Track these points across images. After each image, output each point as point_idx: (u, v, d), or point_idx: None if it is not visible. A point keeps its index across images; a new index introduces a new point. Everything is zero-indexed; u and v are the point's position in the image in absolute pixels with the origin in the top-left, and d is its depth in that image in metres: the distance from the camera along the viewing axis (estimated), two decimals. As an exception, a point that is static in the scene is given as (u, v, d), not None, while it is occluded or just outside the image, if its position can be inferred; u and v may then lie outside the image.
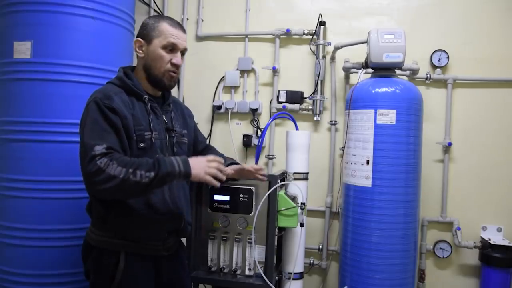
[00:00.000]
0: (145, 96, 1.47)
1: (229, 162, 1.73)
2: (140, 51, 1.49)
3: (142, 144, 1.42)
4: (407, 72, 2.34)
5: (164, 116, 1.54)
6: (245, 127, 2.66)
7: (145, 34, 1.48)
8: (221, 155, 1.79)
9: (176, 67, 1.49)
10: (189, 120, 1.71)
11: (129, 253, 1.43)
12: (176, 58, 1.48)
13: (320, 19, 2.48)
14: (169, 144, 1.53)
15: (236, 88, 2.67)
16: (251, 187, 1.86)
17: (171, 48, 1.47)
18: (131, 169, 1.26)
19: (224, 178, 1.43)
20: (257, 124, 2.61)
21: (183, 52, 1.52)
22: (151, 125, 1.45)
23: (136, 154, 1.41)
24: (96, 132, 1.32)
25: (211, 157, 1.43)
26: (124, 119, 1.37)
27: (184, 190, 1.59)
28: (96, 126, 1.33)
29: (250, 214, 1.87)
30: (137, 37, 1.51)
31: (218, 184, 1.41)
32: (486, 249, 2.26)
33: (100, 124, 1.34)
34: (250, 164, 1.71)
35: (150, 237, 1.46)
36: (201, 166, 1.37)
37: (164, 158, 1.35)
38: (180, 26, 1.51)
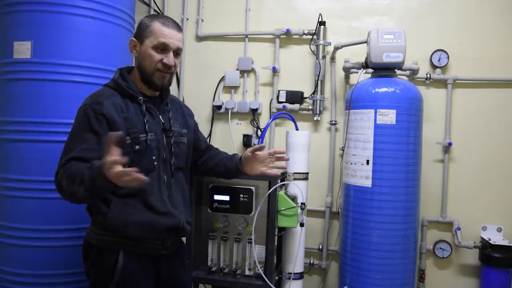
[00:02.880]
0: (140, 97, 1.47)
1: (240, 156, 1.71)
2: (134, 51, 1.50)
3: (137, 147, 1.42)
4: (407, 72, 2.34)
5: (161, 116, 1.53)
6: (245, 127, 2.66)
7: (138, 33, 1.48)
8: (224, 154, 1.79)
9: (167, 67, 1.46)
10: (189, 119, 1.70)
11: (129, 252, 1.43)
12: (168, 58, 1.45)
13: (320, 19, 2.48)
14: (166, 144, 1.52)
15: (236, 88, 2.67)
16: (251, 187, 1.86)
17: (162, 48, 1.45)
18: (70, 182, 1.30)
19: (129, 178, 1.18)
20: (257, 124, 2.61)
21: (177, 52, 1.49)
22: (147, 126, 1.45)
23: (132, 157, 1.41)
24: (74, 143, 1.37)
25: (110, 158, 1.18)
26: (113, 124, 1.38)
27: (182, 190, 1.59)
28: (77, 135, 1.38)
29: (250, 214, 1.87)
30: (133, 36, 1.51)
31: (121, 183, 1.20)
32: (486, 249, 2.26)
33: (81, 134, 1.37)
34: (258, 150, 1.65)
35: (149, 236, 1.46)
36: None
37: (93, 163, 1.25)
38: (174, 25, 1.49)
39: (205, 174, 1.83)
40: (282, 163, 1.71)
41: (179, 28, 1.51)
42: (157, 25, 1.45)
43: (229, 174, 1.74)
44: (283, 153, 1.69)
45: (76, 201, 1.36)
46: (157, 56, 1.45)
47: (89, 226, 1.50)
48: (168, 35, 1.45)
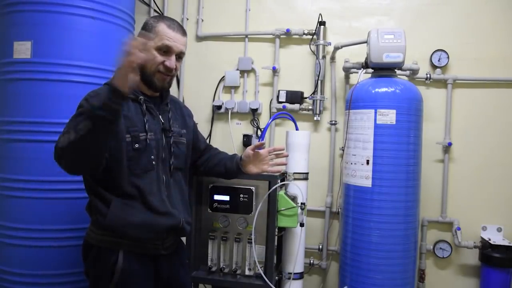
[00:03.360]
0: (140, 97, 1.47)
1: (240, 156, 1.73)
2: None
3: (137, 145, 1.42)
4: (407, 72, 2.34)
5: (161, 116, 1.53)
6: (245, 127, 2.66)
7: (143, 33, 1.48)
8: (224, 154, 1.79)
9: (169, 70, 1.46)
10: (188, 119, 1.71)
11: (128, 252, 1.43)
12: (170, 61, 1.45)
13: (320, 19, 2.48)
14: (165, 144, 1.52)
15: (236, 88, 2.67)
16: (251, 187, 1.86)
17: (166, 50, 1.45)
18: (70, 130, 1.23)
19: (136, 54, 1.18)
20: (257, 124, 2.61)
21: (180, 56, 1.50)
22: (147, 125, 1.45)
23: (132, 155, 1.41)
24: (70, 121, 1.29)
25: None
26: None
27: (181, 190, 1.59)
28: (73, 116, 1.30)
29: (250, 214, 1.87)
30: (137, 36, 1.50)
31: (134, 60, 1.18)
32: (486, 249, 2.26)
33: (76, 114, 1.30)
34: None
35: (149, 236, 1.46)
36: (117, 73, 1.21)
37: (93, 97, 1.29)
38: (179, 28, 1.49)
39: (205, 174, 1.83)
40: (282, 160, 1.74)
41: (184, 32, 1.51)
42: (162, 27, 1.45)
43: (230, 174, 1.74)
44: (282, 149, 1.71)
45: (76, 150, 1.23)
46: (160, 58, 1.45)
47: (89, 226, 1.50)
48: (172, 38, 1.45)
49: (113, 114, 1.21)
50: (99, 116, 1.19)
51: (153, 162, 1.46)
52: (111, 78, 1.24)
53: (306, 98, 2.56)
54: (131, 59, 1.17)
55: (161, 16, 1.55)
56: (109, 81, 1.24)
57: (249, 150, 1.68)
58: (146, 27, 1.48)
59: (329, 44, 2.49)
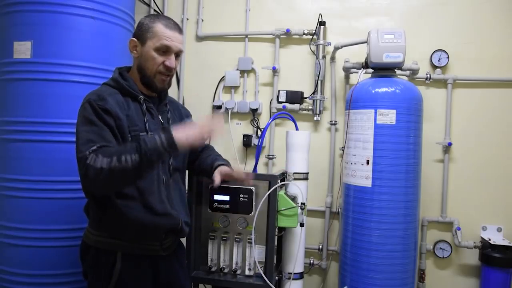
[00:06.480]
0: (141, 96, 1.46)
1: (220, 163, 1.69)
2: (135, 51, 1.48)
3: None
4: (407, 72, 2.34)
5: (160, 117, 1.53)
6: (245, 127, 2.66)
7: (140, 34, 1.46)
8: (219, 155, 1.79)
9: (169, 69, 1.46)
10: (186, 120, 1.70)
11: (126, 253, 1.43)
12: (169, 60, 1.45)
13: (320, 19, 2.49)
14: None
15: (236, 88, 2.67)
16: (251, 187, 1.86)
17: (165, 50, 1.44)
18: (115, 157, 1.25)
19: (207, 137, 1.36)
20: (257, 124, 2.61)
21: (178, 54, 1.49)
22: (147, 125, 1.45)
23: None
24: (91, 134, 1.32)
25: (194, 124, 1.36)
26: (117, 120, 1.37)
27: (180, 192, 1.59)
28: (92, 127, 1.33)
29: (250, 214, 1.87)
30: (132, 36, 1.49)
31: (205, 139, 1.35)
32: (486, 249, 2.26)
33: (95, 125, 1.33)
34: (239, 171, 1.67)
35: (147, 238, 1.46)
36: (185, 133, 1.31)
37: (146, 136, 1.32)
38: (176, 27, 1.48)
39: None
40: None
41: (180, 30, 1.51)
42: (159, 27, 1.44)
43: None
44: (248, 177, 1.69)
45: (115, 178, 1.27)
46: (160, 59, 1.44)
47: (86, 227, 1.50)
48: (170, 37, 1.44)
49: (160, 160, 1.33)
50: (149, 159, 1.26)
51: None
52: (174, 131, 1.30)
53: (306, 98, 2.56)
54: (208, 134, 1.35)
55: (155, 15, 1.53)
56: (172, 134, 1.28)
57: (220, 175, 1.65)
58: (142, 28, 1.46)
59: (329, 44, 2.49)
